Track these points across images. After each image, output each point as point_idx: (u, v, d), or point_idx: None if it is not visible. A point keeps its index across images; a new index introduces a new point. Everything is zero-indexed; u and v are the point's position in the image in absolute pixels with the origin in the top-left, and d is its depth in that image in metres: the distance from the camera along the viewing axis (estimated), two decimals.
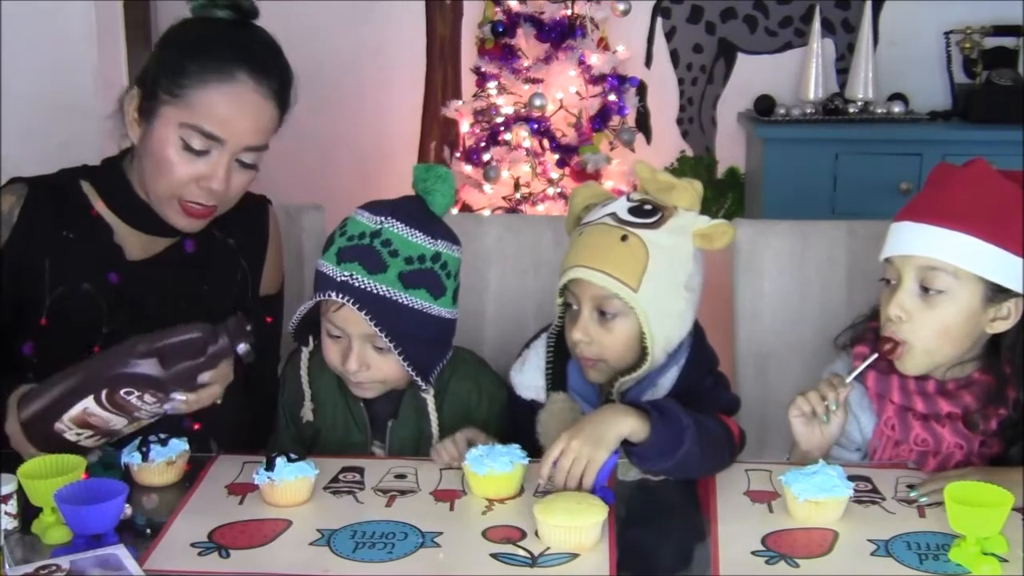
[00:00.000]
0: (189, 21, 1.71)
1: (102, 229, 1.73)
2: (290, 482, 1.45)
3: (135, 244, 1.75)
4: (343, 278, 1.58)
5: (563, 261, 1.67)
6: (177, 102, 1.63)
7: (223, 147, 1.64)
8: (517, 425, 1.72)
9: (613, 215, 1.65)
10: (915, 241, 1.59)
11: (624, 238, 1.62)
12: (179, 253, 1.78)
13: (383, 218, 1.62)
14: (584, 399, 1.72)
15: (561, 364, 1.73)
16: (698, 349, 1.71)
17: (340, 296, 1.57)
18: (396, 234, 1.61)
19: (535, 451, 1.56)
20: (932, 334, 1.59)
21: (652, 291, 1.61)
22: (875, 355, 1.64)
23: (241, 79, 1.63)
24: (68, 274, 1.69)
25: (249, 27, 1.72)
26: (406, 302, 1.59)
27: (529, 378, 1.75)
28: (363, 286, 1.57)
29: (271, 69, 1.68)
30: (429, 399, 1.68)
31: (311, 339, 1.73)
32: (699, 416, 1.56)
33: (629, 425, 1.50)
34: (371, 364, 1.63)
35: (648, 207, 1.65)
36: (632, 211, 1.65)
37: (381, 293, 1.58)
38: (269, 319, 1.88)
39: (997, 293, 1.58)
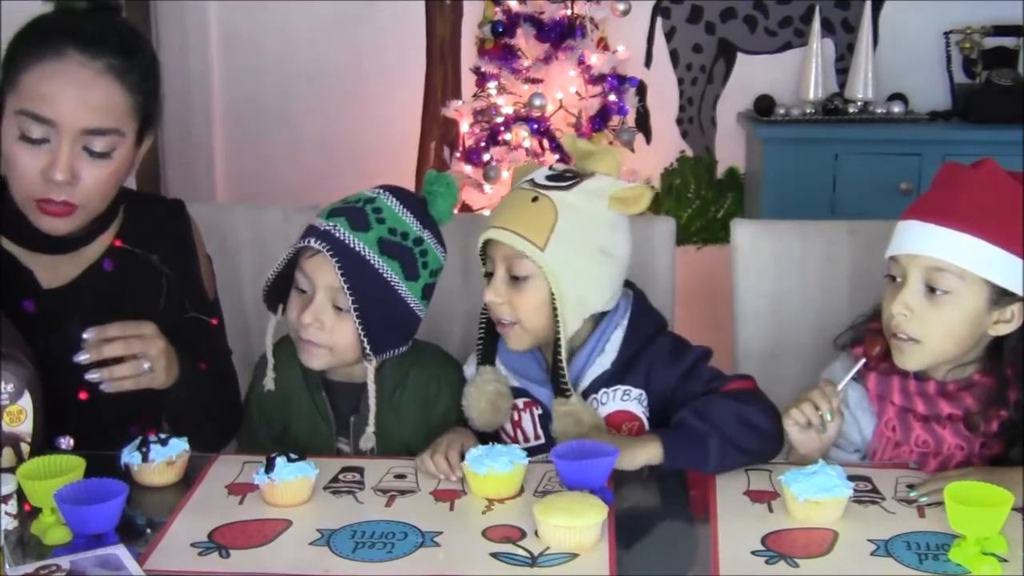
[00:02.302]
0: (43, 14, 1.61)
1: (3, 258, 1.66)
2: (290, 482, 1.46)
3: (46, 268, 1.68)
4: (326, 228, 1.63)
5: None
6: (12, 90, 1.55)
7: (58, 131, 1.53)
8: None
9: (531, 180, 1.69)
10: (922, 241, 1.59)
11: (535, 199, 1.65)
12: (98, 273, 1.71)
13: (381, 190, 1.69)
14: (522, 374, 1.74)
15: (492, 339, 1.76)
16: (639, 311, 1.73)
17: (318, 242, 1.61)
18: (388, 206, 1.66)
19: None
20: (936, 333, 1.59)
21: (561, 251, 1.62)
22: (863, 361, 1.65)
23: (67, 54, 1.53)
24: None
25: (100, 11, 1.62)
26: (377, 267, 1.62)
27: (473, 368, 1.78)
28: (342, 238, 1.61)
29: (104, 43, 1.56)
30: (370, 369, 1.67)
31: (280, 309, 1.73)
32: (716, 409, 1.58)
33: (643, 459, 1.55)
34: (325, 323, 1.64)
35: (568, 174, 1.69)
36: (550, 177, 1.69)
37: (357, 249, 1.61)
38: (215, 321, 1.84)
39: (1002, 296, 1.57)
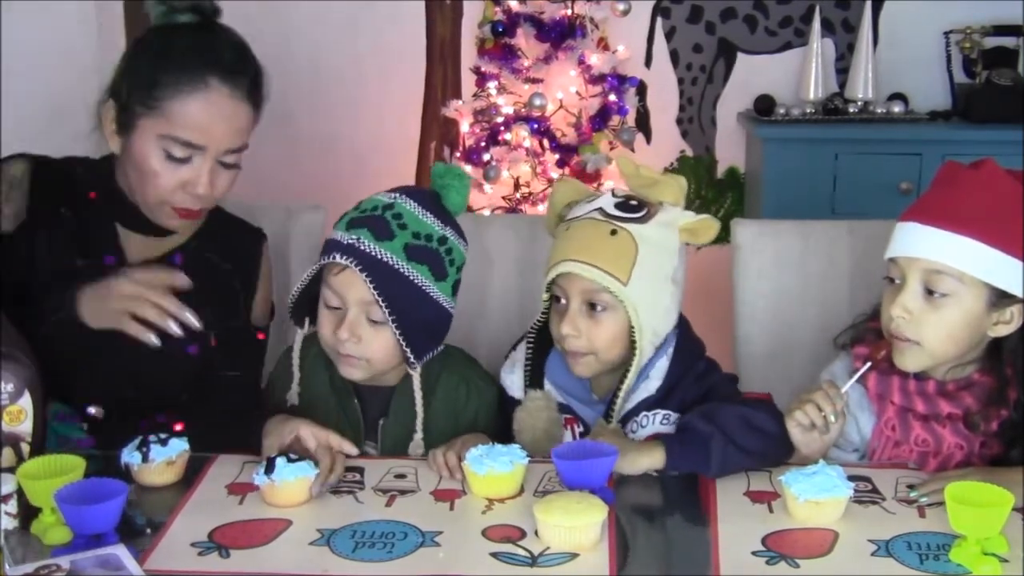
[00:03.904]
0: (155, 30, 1.71)
1: (101, 213, 1.76)
2: (290, 483, 1.46)
3: (130, 244, 1.78)
4: (350, 241, 1.61)
5: (551, 256, 1.68)
6: (153, 114, 1.65)
7: (204, 153, 1.66)
8: (509, 424, 1.73)
9: (600, 210, 1.67)
10: (921, 243, 1.58)
11: (614, 232, 1.63)
12: (167, 265, 1.77)
13: (397, 194, 1.67)
14: (570, 393, 1.73)
15: (540, 360, 1.74)
16: (684, 338, 1.73)
17: (344, 258, 1.59)
18: (408, 210, 1.64)
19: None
20: (936, 335, 1.59)
21: (641, 284, 1.62)
22: (868, 364, 1.64)
23: (214, 85, 1.65)
24: (63, 250, 1.73)
25: (214, 29, 1.73)
26: (407, 274, 1.61)
27: (518, 378, 1.76)
28: (368, 250, 1.59)
29: (241, 70, 1.70)
30: (416, 376, 1.67)
31: (307, 323, 1.73)
32: (722, 412, 1.57)
33: (646, 464, 1.54)
34: (362, 336, 1.63)
35: (634, 202, 1.67)
36: (619, 206, 1.67)
37: (385, 260, 1.59)
38: (262, 336, 1.90)
39: (1001, 298, 1.57)
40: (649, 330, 1.65)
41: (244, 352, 1.81)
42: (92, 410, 1.71)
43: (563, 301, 1.67)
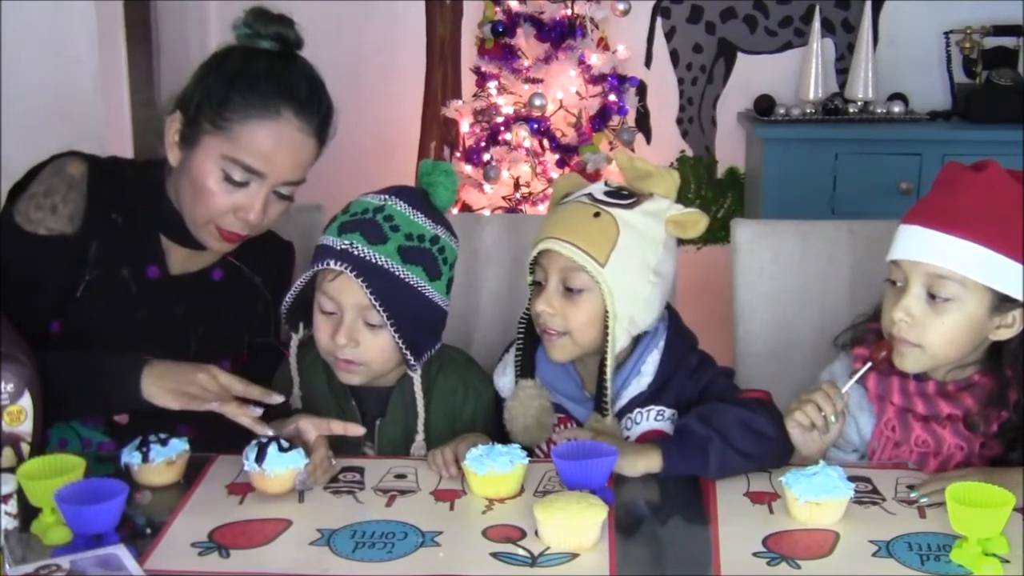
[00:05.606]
0: (234, 50, 1.71)
1: (147, 221, 1.75)
2: (280, 473, 1.46)
3: (172, 255, 1.78)
4: (343, 246, 1.60)
5: (536, 237, 1.68)
6: (220, 134, 1.64)
7: (263, 181, 1.66)
8: (502, 427, 1.73)
9: (589, 195, 1.68)
10: (923, 247, 1.58)
11: (597, 215, 1.64)
12: (206, 279, 1.81)
13: (387, 196, 1.66)
14: (562, 392, 1.72)
15: (531, 349, 1.74)
16: (675, 330, 1.73)
17: (338, 264, 1.58)
18: (398, 211, 1.63)
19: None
20: (937, 339, 1.59)
21: (619, 269, 1.62)
22: (869, 364, 1.64)
23: (285, 116, 1.65)
24: (112, 257, 1.72)
25: (293, 60, 1.73)
26: (403, 276, 1.60)
27: (510, 380, 1.76)
28: (362, 255, 1.59)
29: (315, 105, 1.70)
30: (416, 378, 1.67)
31: (301, 327, 1.73)
32: (721, 414, 1.57)
33: (643, 467, 1.54)
34: (360, 341, 1.63)
35: (625, 192, 1.68)
36: (608, 193, 1.67)
37: (379, 263, 1.59)
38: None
39: (1003, 302, 1.57)
40: (625, 317, 1.64)
41: (272, 366, 1.81)
42: (116, 416, 1.70)
43: (543, 282, 1.67)
